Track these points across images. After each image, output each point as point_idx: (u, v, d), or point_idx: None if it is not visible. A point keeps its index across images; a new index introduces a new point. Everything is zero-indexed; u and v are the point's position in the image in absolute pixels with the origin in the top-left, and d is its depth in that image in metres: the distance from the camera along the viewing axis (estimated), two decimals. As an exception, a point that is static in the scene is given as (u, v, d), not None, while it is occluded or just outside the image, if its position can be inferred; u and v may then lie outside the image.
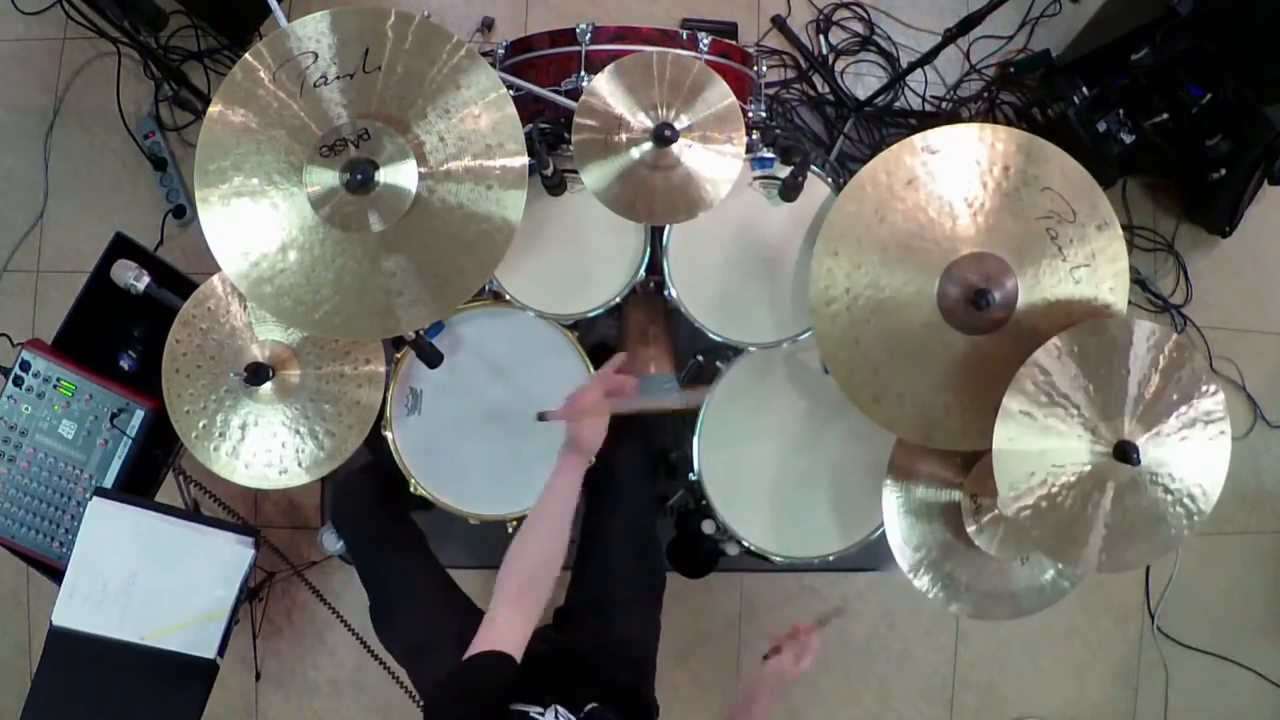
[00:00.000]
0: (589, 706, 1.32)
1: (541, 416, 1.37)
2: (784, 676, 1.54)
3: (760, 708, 1.52)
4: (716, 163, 1.44)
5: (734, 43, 2.02)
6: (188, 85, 2.38)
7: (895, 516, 1.60)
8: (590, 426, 1.38)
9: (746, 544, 1.76)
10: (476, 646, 1.22)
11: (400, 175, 1.35)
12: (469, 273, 1.38)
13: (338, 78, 1.35)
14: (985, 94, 2.56)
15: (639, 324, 1.82)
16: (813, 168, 1.62)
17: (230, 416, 1.59)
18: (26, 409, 1.81)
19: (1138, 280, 2.60)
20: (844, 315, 1.44)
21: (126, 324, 1.90)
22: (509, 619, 1.26)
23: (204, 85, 2.46)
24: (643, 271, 1.65)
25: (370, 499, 1.73)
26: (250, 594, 2.33)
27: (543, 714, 1.29)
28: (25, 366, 1.81)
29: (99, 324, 1.89)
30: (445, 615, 1.67)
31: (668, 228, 1.62)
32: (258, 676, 2.43)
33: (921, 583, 1.59)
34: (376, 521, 1.74)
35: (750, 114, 1.74)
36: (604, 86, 1.42)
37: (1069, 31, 2.51)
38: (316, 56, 1.35)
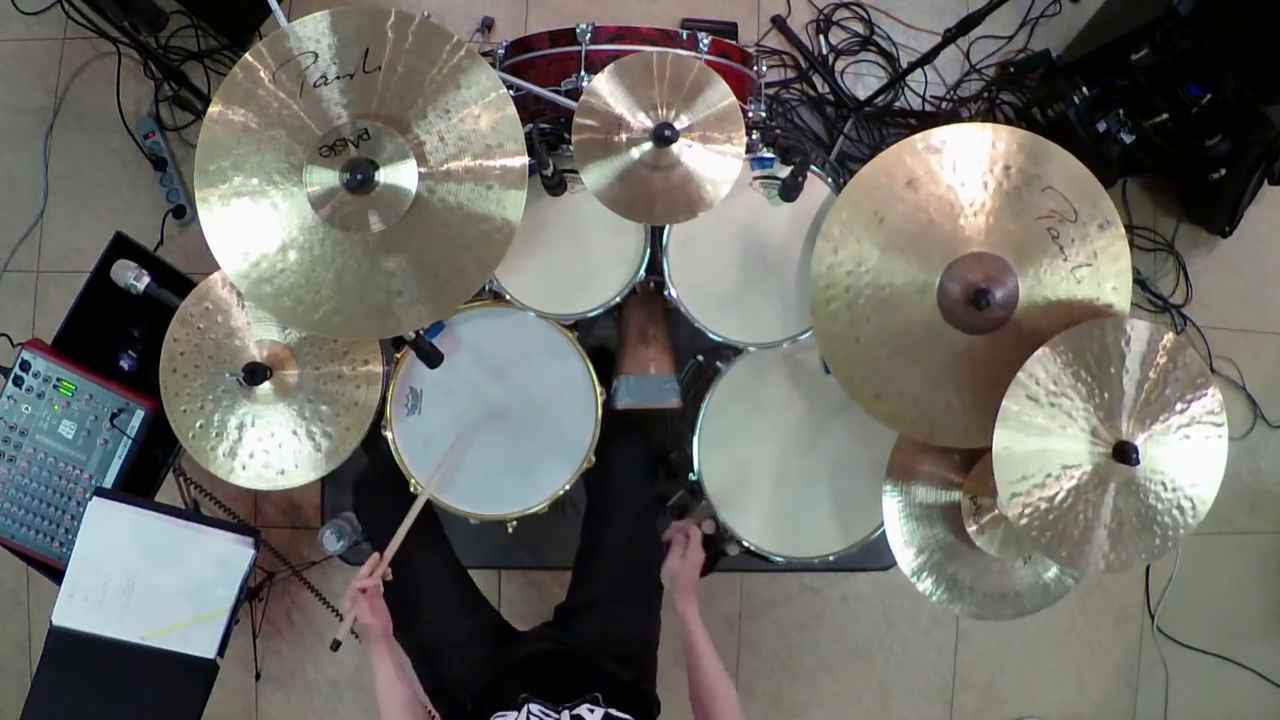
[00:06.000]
0: (579, 699, 1.33)
1: (335, 646, 1.41)
2: (675, 574, 1.61)
3: (684, 609, 1.59)
4: (716, 163, 1.43)
5: (734, 43, 2.02)
6: (188, 85, 2.38)
7: (896, 521, 1.59)
8: (370, 615, 1.45)
9: (746, 544, 1.76)
10: None
11: (400, 175, 1.34)
12: (469, 273, 1.38)
13: (338, 78, 1.35)
14: (985, 94, 2.56)
15: (639, 324, 1.81)
16: (813, 168, 1.61)
17: (228, 417, 1.59)
18: (26, 409, 1.81)
19: (1138, 280, 2.61)
20: (844, 314, 1.44)
21: (126, 324, 1.90)
22: None
23: (204, 85, 2.46)
24: (643, 271, 1.65)
25: (391, 492, 1.73)
26: (250, 594, 2.34)
27: (516, 716, 1.30)
28: (25, 366, 1.81)
29: (99, 324, 1.89)
30: (457, 614, 1.67)
31: (667, 228, 1.61)
32: (258, 676, 2.43)
33: (925, 586, 1.58)
34: (398, 514, 1.74)
35: (750, 114, 1.74)
36: (604, 86, 1.41)
37: (1069, 31, 2.52)
38: (316, 56, 1.34)
